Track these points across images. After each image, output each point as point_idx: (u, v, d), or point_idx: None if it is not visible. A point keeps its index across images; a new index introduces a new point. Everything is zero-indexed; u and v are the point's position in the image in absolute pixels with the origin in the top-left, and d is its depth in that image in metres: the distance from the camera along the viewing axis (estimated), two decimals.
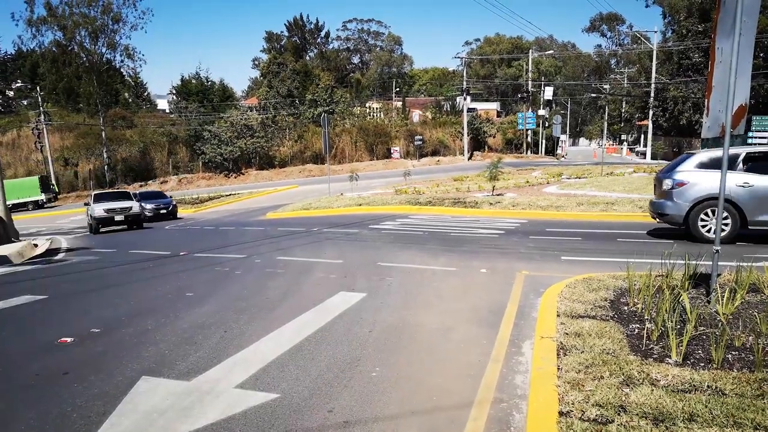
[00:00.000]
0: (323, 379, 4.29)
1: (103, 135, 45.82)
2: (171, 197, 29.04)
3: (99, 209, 20.55)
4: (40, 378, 4.43)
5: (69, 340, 5.41)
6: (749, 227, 9.51)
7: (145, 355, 4.91)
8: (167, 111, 69.08)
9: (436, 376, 4.34)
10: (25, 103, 56.32)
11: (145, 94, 74.28)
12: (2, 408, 3.94)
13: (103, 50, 46.19)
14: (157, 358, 4.81)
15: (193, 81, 63.03)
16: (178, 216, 26.94)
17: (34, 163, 46.68)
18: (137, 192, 30.08)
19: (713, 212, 9.71)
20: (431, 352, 4.89)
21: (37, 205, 39.29)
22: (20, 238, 16.64)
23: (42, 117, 45.40)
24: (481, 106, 69.74)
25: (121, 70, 53.40)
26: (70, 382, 4.32)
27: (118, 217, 20.50)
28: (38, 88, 48.81)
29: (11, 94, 60.85)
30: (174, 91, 65.19)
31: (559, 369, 4.12)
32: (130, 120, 53.64)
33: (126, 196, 22.93)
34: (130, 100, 66.30)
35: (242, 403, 3.85)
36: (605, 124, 73.84)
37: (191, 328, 5.70)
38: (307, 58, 77.58)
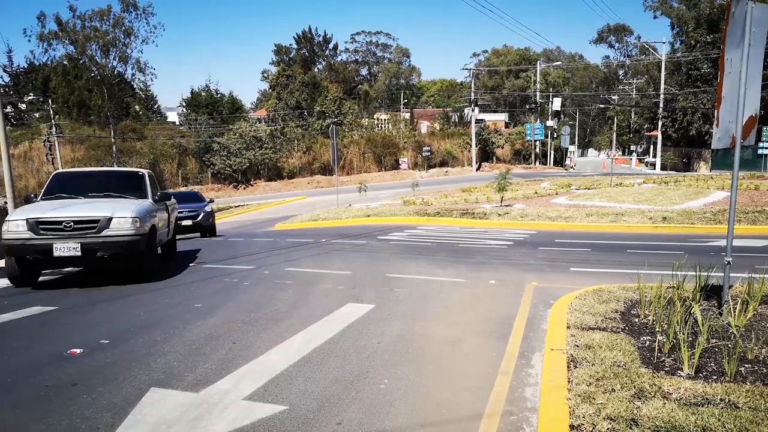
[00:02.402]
0: (332, 391, 4.27)
1: (114, 147, 46.19)
2: (209, 201, 18.93)
3: (18, 224, 8.44)
4: (49, 389, 4.44)
5: (78, 351, 5.42)
6: None
7: (154, 366, 4.91)
8: (177, 123, 69.69)
9: (445, 388, 4.31)
10: (37, 115, 56.90)
11: (156, 106, 75.03)
12: (12, 419, 3.95)
13: (115, 63, 46.67)
14: (165, 370, 4.80)
15: (203, 93, 63.56)
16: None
17: (45, 175, 47.00)
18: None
19: None
20: (440, 364, 4.86)
21: None
22: None
23: (53, 129, 45.87)
24: (489, 117, 69.83)
25: (132, 83, 53.98)
26: (79, 393, 4.33)
27: (63, 250, 8.29)
28: (50, 101, 49.42)
29: (23, 106, 61.59)
30: (184, 104, 65.72)
31: (569, 382, 4.09)
32: (140, 132, 54.12)
33: (131, 184, 10.37)
34: (140, 112, 66.92)
35: (251, 415, 3.83)
36: (614, 134, 73.68)
37: (200, 340, 5.70)
38: (316, 70, 78.11)
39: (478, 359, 4.96)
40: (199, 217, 16.82)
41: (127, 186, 10.36)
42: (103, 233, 8.54)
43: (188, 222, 16.57)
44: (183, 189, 38.56)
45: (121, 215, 8.70)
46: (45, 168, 47.28)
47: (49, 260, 8.67)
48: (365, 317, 6.43)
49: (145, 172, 11.02)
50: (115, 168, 14.08)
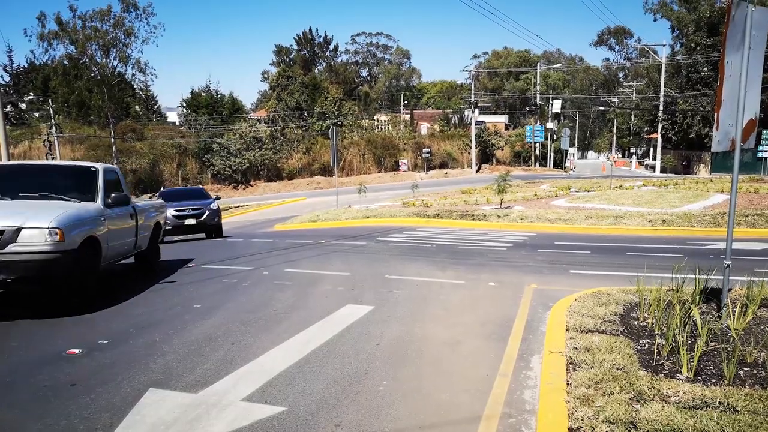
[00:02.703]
0: (330, 392, 4.27)
1: (114, 147, 46.20)
2: (215, 198, 17.37)
3: None
4: (48, 389, 4.44)
5: (77, 351, 5.41)
6: None
7: (153, 366, 4.91)
8: (177, 123, 69.72)
9: (444, 390, 4.31)
10: (37, 115, 56.96)
11: (156, 106, 75.03)
12: (10, 419, 3.94)
13: (115, 64, 46.71)
14: (164, 370, 4.80)
15: (203, 94, 63.61)
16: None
17: None
18: (163, 191, 19.55)
19: None
20: (439, 366, 4.86)
21: None
22: None
23: (53, 129, 45.89)
24: (489, 119, 69.88)
25: (132, 83, 54.02)
26: (77, 393, 4.32)
27: None
28: (50, 100, 49.47)
29: (23, 106, 61.62)
30: (184, 104, 65.76)
31: (568, 384, 4.09)
32: (140, 132, 54.19)
33: (78, 182, 8.13)
34: (140, 112, 66.95)
35: (249, 416, 3.83)
36: (614, 137, 73.72)
37: (199, 340, 5.70)
38: (316, 71, 78.19)
39: (477, 361, 4.96)
40: (204, 216, 15.25)
41: (71, 185, 8.03)
42: (8, 249, 6.23)
43: (192, 221, 15.19)
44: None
45: (33, 225, 6.35)
46: None
47: None
48: (364, 318, 6.43)
49: (99, 167, 8.47)
50: (63, 162, 10.45)
